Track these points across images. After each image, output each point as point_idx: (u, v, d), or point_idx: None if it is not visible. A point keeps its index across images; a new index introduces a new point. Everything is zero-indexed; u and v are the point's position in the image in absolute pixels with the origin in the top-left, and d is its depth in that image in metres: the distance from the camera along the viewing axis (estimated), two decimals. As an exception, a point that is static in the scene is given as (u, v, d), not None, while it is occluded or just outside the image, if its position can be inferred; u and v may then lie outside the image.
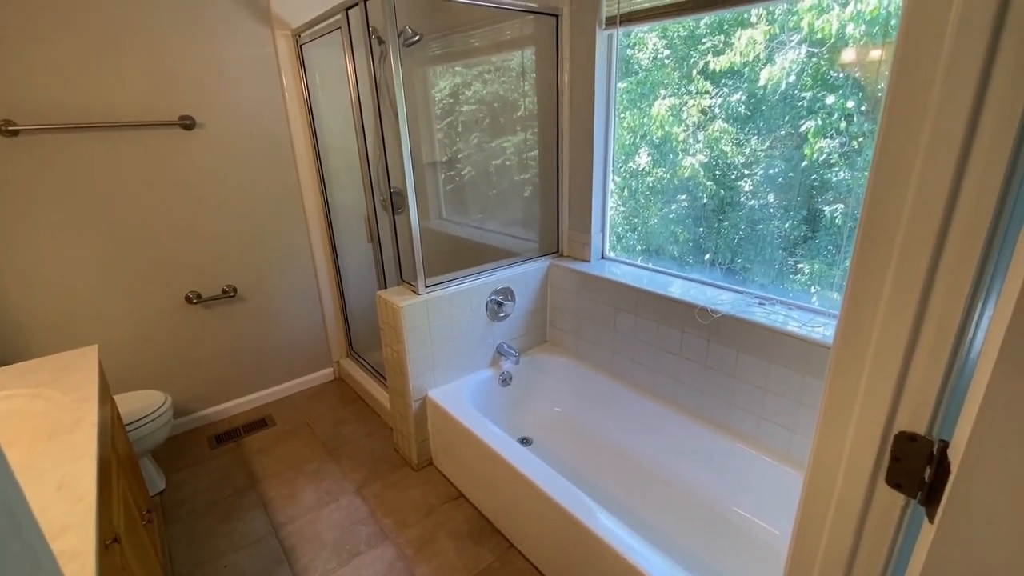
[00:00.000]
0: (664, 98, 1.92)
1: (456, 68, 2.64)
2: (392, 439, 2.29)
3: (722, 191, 1.83)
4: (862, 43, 1.43)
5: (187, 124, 2.11)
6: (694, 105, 1.84)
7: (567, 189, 2.25)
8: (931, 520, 0.53)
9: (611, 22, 1.87)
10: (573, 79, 2.06)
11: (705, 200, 1.89)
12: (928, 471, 0.55)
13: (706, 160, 1.85)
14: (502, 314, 2.17)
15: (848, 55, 1.46)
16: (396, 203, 1.97)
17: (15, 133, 1.79)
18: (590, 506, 1.41)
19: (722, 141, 1.79)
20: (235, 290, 2.41)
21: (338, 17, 1.87)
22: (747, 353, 1.63)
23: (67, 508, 0.87)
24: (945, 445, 0.53)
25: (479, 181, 2.76)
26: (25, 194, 1.86)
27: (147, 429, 1.88)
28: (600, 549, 1.32)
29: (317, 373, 2.81)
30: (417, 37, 2.32)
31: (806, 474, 0.69)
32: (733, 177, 1.79)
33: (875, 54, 1.41)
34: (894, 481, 0.59)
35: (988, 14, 0.45)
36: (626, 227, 2.20)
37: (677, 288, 1.88)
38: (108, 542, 0.92)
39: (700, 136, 1.85)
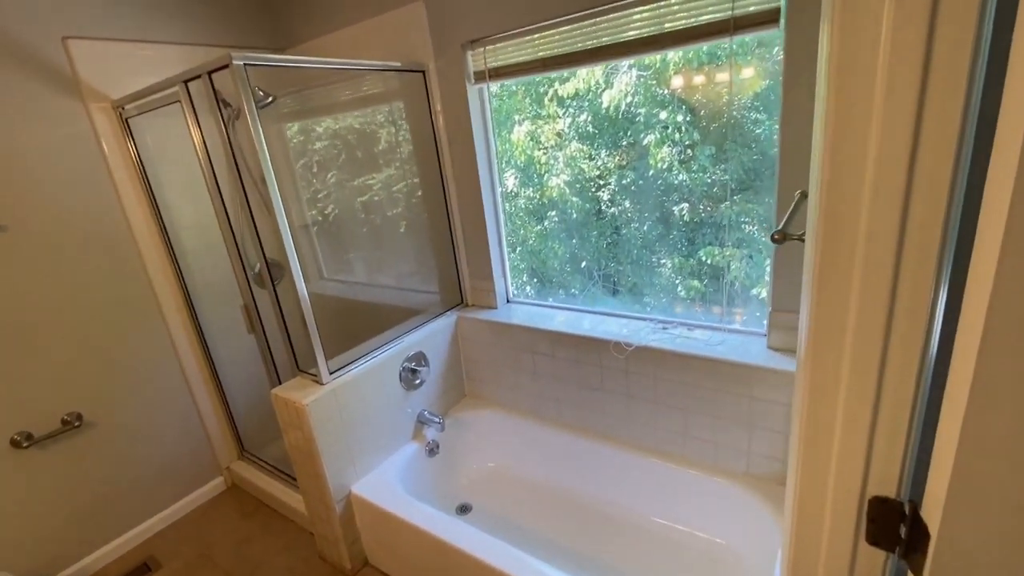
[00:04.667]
0: (520, 123, 2.01)
1: (319, 124, 2.48)
2: (315, 547, 2.02)
3: (586, 204, 1.99)
4: (681, 66, 1.64)
5: (-19, 229, 1.68)
6: (550, 129, 1.96)
7: (461, 238, 2.21)
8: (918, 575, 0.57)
9: (480, 77, 1.89)
10: (450, 128, 2.03)
11: (574, 215, 2.02)
12: (903, 529, 0.59)
13: (568, 178, 1.98)
14: (417, 381, 2.05)
15: (673, 78, 1.67)
16: (273, 274, 1.76)
17: None
18: (537, 567, 1.37)
19: (578, 159, 1.94)
20: (80, 417, 1.96)
21: (174, 90, 1.64)
22: (663, 378, 1.72)
23: None
24: (915, 506, 0.58)
25: (366, 239, 2.60)
26: None
27: (-23, 636, 1.42)
28: None
29: (204, 487, 2.40)
30: (269, 99, 2.12)
31: (789, 536, 0.72)
32: (593, 190, 1.96)
33: (696, 78, 1.63)
34: (873, 539, 0.63)
35: None
36: (507, 247, 2.24)
37: (587, 324, 1.93)
38: None
39: (559, 156, 1.97)
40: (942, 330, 0.56)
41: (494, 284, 2.19)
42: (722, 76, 1.59)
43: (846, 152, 0.53)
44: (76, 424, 1.95)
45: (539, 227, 2.13)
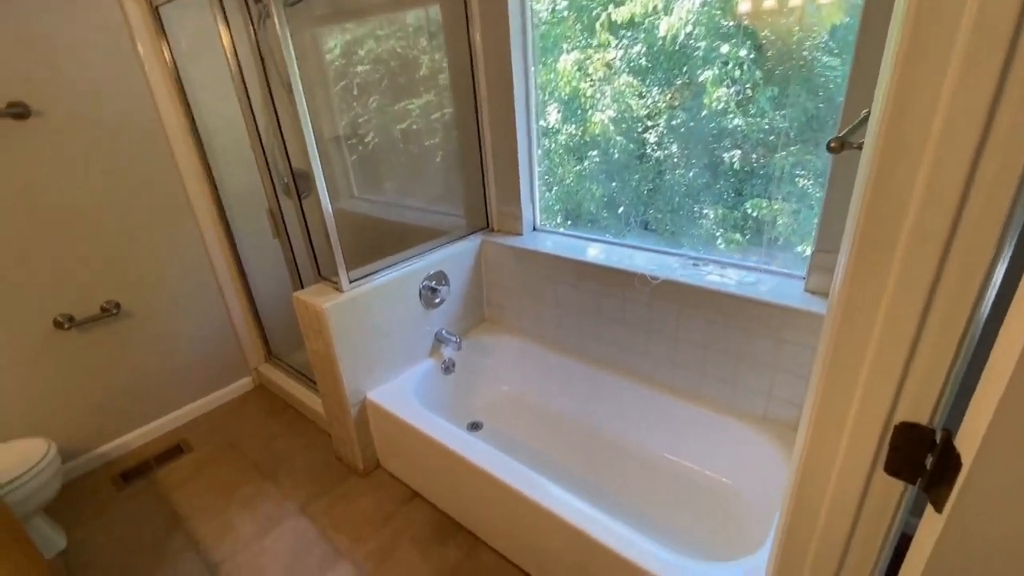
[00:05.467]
0: (568, 52, 1.85)
1: (352, 28, 2.35)
2: (332, 447, 2.13)
3: (630, 145, 1.84)
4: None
5: (18, 113, 1.70)
6: (599, 59, 1.79)
7: (491, 161, 2.12)
8: (938, 509, 0.52)
9: (523, -19, 1.72)
10: (486, 38, 1.89)
11: (616, 155, 1.88)
12: (930, 459, 0.54)
13: (614, 115, 1.83)
14: (437, 300, 2.04)
15: (742, 5, 1.47)
16: (300, 187, 1.74)
17: None
18: (543, 484, 1.40)
19: (627, 95, 1.78)
20: (118, 306, 2.06)
21: (201, -25, 1.56)
22: (687, 315, 1.66)
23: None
24: (948, 435, 0.52)
25: (395, 157, 2.54)
26: None
27: (30, 486, 1.57)
28: (557, 525, 1.30)
29: (234, 384, 2.54)
30: (300, -5, 2.01)
31: (798, 460, 0.68)
32: (640, 130, 1.80)
33: (766, 2, 1.43)
34: (893, 469, 0.57)
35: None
36: (543, 186, 2.13)
37: (613, 256, 1.85)
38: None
39: (607, 90, 1.81)
40: (1017, 245, 0.47)
41: (521, 210, 2.12)
42: (795, 1, 1.39)
43: (919, 66, 0.43)
44: (114, 312, 2.05)
45: (578, 167, 1.99)
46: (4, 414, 1.85)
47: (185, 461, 2.14)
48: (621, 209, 1.94)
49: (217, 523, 1.82)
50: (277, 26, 1.41)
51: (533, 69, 1.92)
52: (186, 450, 2.21)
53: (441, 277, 2.04)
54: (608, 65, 1.79)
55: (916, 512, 0.57)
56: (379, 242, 2.43)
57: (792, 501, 0.70)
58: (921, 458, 0.55)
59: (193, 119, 2.10)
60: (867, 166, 0.53)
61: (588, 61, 1.82)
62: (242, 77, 1.70)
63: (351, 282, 1.76)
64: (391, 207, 2.55)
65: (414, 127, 2.33)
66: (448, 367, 2.10)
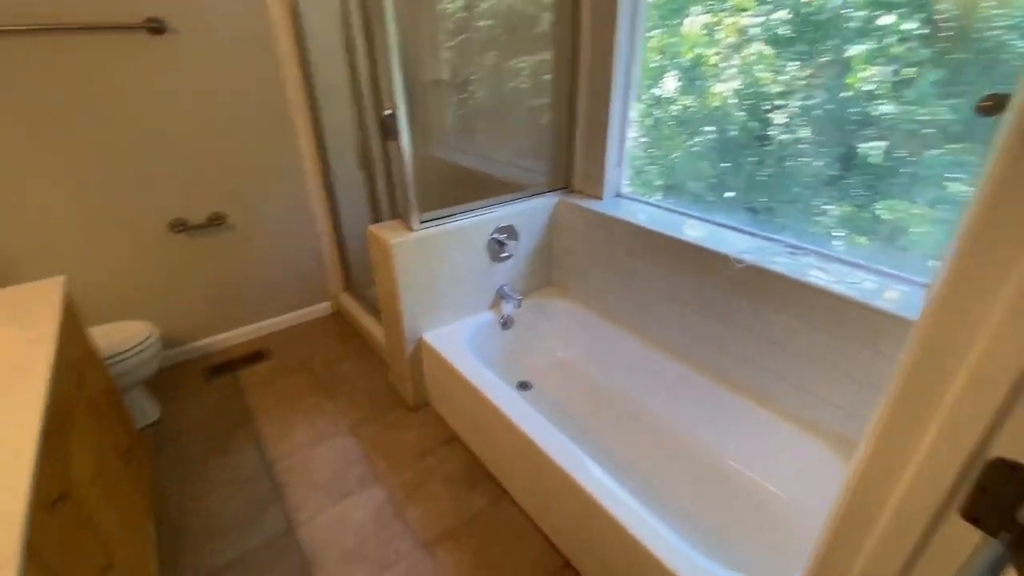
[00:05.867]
0: (699, 14, 1.64)
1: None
2: (389, 379, 2.23)
3: (752, 123, 1.61)
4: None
5: (156, 27, 1.87)
6: (731, 23, 1.57)
7: (582, 117, 2.00)
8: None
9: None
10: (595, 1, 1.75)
11: (734, 133, 1.66)
12: (1028, 511, 0.41)
13: (739, 87, 1.61)
14: (504, 254, 2.01)
15: None
16: (388, 127, 1.75)
17: (-44, 33, 1.59)
18: (581, 458, 1.34)
19: (758, 66, 1.54)
20: (223, 218, 2.27)
21: None
22: (769, 307, 1.48)
23: (2, 467, 0.78)
24: (1063, 485, 0.39)
25: (486, 103, 2.49)
26: (-21, 105, 1.68)
27: (132, 362, 1.82)
28: (586, 501, 1.25)
29: (315, 307, 2.73)
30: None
31: (849, 481, 0.56)
32: (767, 108, 1.56)
33: None
34: (972, 514, 0.45)
35: None
36: (646, 160, 1.97)
37: (699, 232, 1.69)
38: (53, 500, 0.85)
39: (735, 59, 1.59)
40: None
41: (605, 173, 2.00)
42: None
43: None
44: (219, 223, 2.26)
45: (688, 142, 1.79)
46: (119, 299, 2.13)
47: (263, 367, 2.36)
48: (731, 194, 1.72)
49: (279, 426, 2.00)
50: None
51: (641, 27, 1.76)
52: (266, 357, 2.43)
53: (511, 231, 2.00)
54: (741, 31, 1.56)
55: (991, 575, 0.44)
56: (455, 187, 2.43)
57: (832, 532, 0.59)
58: (1014, 507, 0.42)
59: (303, 48, 2.19)
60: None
61: (719, 25, 1.60)
62: (346, 13, 1.73)
63: (422, 223, 1.77)
64: (474, 155, 2.52)
65: (511, 78, 2.25)
66: (506, 323, 2.09)
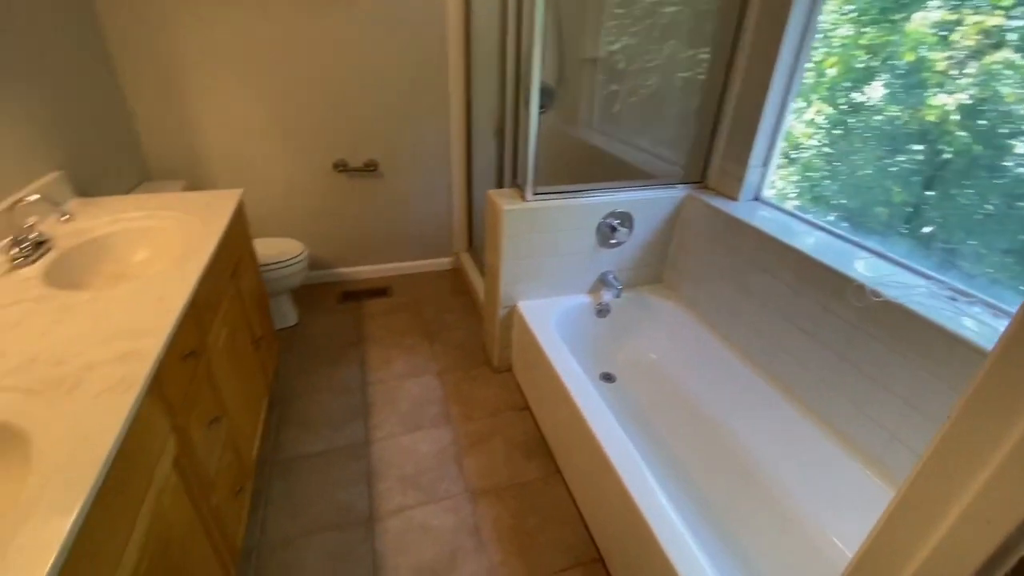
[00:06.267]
0: (932, 10, 1.36)
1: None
2: (482, 337, 2.35)
3: (978, 147, 1.30)
4: None
5: (350, -9, 2.14)
6: (976, 23, 1.27)
7: (730, 112, 1.83)
8: None
9: None
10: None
11: (949, 156, 1.36)
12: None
13: (969, 102, 1.31)
14: (613, 240, 1.96)
15: None
16: (543, 100, 1.79)
17: (211, -12, 2.01)
18: (639, 467, 1.28)
19: (1003, 79, 1.24)
20: (376, 165, 2.56)
21: None
22: (903, 356, 1.24)
23: (154, 318, 1.02)
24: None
25: (633, 86, 2.40)
26: (211, 46, 2.11)
27: (283, 272, 2.18)
28: (632, 510, 1.20)
29: (437, 260, 2.96)
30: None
31: (869, 535, 0.48)
32: (1004, 132, 1.25)
33: None
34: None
35: None
36: (826, 172, 1.71)
37: (832, 251, 1.47)
38: (185, 354, 1.08)
39: (971, 68, 1.29)
40: None
41: (746, 173, 1.82)
42: None
43: None
44: (373, 169, 2.56)
45: (886, 159, 1.50)
46: (281, 220, 2.54)
47: (383, 302, 2.65)
48: (924, 229, 1.42)
49: (382, 354, 2.24)
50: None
51: (813, 29, 1.55)
52: (388, 294, 2.72)
53: (626, 218, 1.94)
54: (988, 33, 1.26)
55: None
56: (582, 164, 2.41)
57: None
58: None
59: (469, 18, 2.33)
60: None
61: (959, 24, 1.31)
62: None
63: (536, 194, 1.81)
64: (609, 136, 2.46)
65: (663, 65, 2.14)
66: (602, 310, 2.05)
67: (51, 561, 0.57)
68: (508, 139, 1.96)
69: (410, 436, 1.82)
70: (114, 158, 1.96)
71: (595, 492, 1.45)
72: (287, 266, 2.18)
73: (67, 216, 1.39)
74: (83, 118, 1.76)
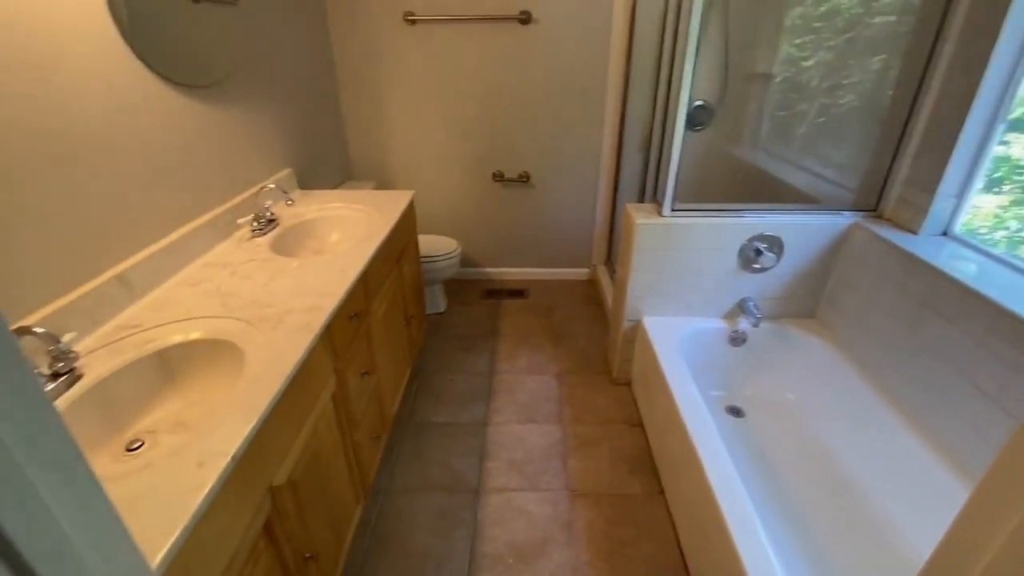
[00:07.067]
0: None
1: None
2: (606, 346, 2.38)
3: None
4: None
5: (524, 19, 2.38)
6: None
7: (920, 128, 1.61)
8: None
9: None
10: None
11: None
12: None
13: None
14: (757, 265, 1.85)
15: None
16: (694, 117, 1.81)
17: (413, 22, 2.41)
18: (750, 516, 1.18)
19: None
20: (528, 177, 2.77)
21: None
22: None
23: (335, 283, 1.31)
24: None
25: (802, 103, 2.22)
26: (415, 65, 2.52)
27: (439, 265, 2.49)
28: (734, 558, 1.12)
29: (575, 269, 3.07)
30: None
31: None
32: None
33: None
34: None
35: None
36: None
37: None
38: (351, 315, 1.35)
39: None
40: None
41: (933, 203, 1.58)
42: None
43: None
44: (526, 180, 2.77)
45: None
46: (442, 220, 2.89)
47: (519, 302, 2.84)
48: None
49: (510, 348, 2.42)
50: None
51: None
52: (525, 296, 2.91)
53: (775, 243, 1.82)
54: None
55: None
56: (732, 183, 2.30)
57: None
58: None
59: (632, 41, 2.40)
60: None
61: None
62: (667, 9, 1.83)
63: (674, 211, 1.81)
64: (769, 154, 2.30)
65: (839, 81, 1.95)
66: (737, 339, 1.94)
67: (245, 434, 0.81)
68: (653, 154, 1.98)
69: (524, 426, 1.95)
70: (328, 160, 2.47)
71: (697, 527, 1.40)
72: (442, 260, 2.49)
73: (291, 202, 1.82)
74: (313, 129, 2.27)
